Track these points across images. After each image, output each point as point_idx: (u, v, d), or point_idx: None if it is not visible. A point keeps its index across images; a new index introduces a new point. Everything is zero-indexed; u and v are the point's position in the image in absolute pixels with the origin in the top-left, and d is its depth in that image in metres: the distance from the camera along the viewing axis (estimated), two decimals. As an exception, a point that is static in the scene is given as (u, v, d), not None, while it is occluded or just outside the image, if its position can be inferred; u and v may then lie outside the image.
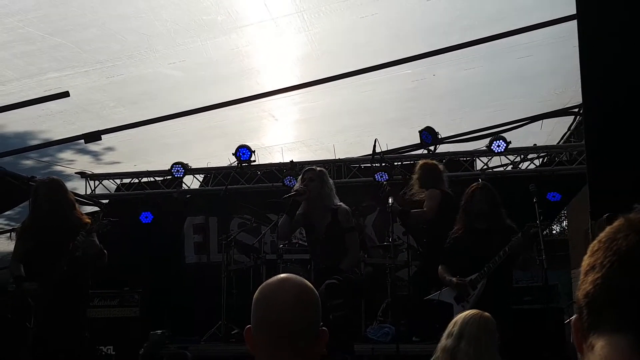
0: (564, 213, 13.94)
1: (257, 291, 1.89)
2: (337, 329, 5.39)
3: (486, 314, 3.35)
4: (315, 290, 1.92)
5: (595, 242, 0.95)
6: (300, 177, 6.12)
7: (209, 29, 6.41)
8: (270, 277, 6.16)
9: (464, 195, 5.73)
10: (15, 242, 5.79)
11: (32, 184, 8.07)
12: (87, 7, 5.87)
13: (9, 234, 8.96)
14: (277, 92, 7.63)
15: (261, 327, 1.83)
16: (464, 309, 5.04)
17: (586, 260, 0.94)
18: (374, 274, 7.98)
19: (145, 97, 7.59)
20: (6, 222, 9.82)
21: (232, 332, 7.95)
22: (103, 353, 7.41)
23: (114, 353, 7.49)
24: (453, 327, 3.34)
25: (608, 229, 0.94)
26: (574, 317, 0.96)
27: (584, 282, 0.93)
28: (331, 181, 6.03)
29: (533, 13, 6.82)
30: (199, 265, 9.90)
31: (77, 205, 6.05)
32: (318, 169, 6.07)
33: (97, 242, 5.67)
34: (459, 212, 5.74)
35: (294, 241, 7.84)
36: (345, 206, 5.86)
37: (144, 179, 9.85)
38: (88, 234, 5.51)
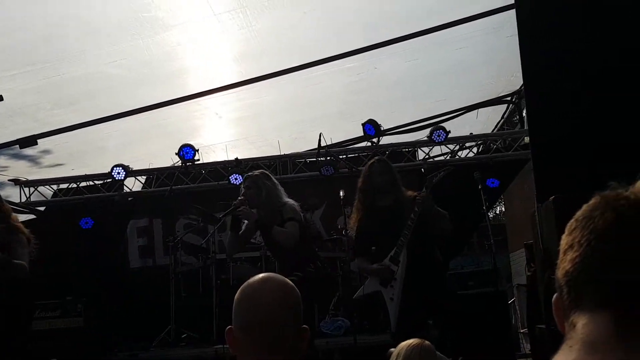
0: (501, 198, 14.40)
1: (238, 292, 1.87)
2: None
3: (427, 342, 3.32)
4: (296, 289, 1.91)
5: (572, 220, 0.96)
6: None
7: (150, 26, 6.27)
8: (221, 277, 6.11)
9: (361, 175, 5.45)
10: None
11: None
12: (18, 8, 5.66)
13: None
14: (219, 89, 7.54)
15: (246, 328, 1.81)
16: (394, 289, 4.90)
17: (564, 239, 0.96)
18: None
19: (83, 98, 7.35)
20: None
21: (183, 336, 7.84)
22: (48, 367, 7.17)
23: (59, 366, 7.26)
24: (397, 358, 3.30)
25: (585, 207, 0.95)
26: (555, 295, 0.97)
27: (563, 260, 0.94)
28: (272, 181, 5.85)
29: (469, 5, 6.98)
30: (144, 269, 9.68)
31: (12, 214, 5.70)
32: (255, 173, 5.88)
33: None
34: (357, 195, 5.38)
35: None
36: (291, 203, 5.76)
37: (83, 184, 9.54)
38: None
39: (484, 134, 9.77)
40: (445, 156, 9.76)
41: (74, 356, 7.22)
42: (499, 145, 9.60)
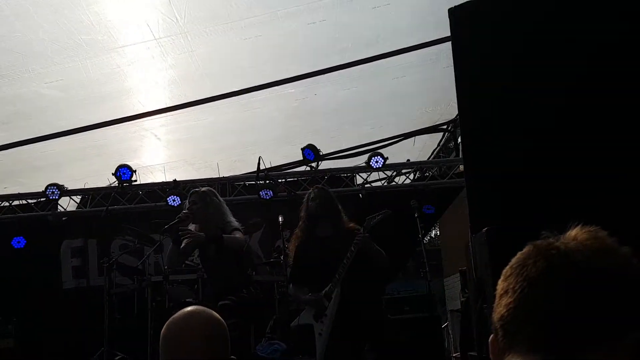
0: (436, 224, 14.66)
1: (164, 328, 1.89)
2: (231, 350, 5.38)
3: None
4: (223, 322, 1.95)
5: (507, 267, 1.01)
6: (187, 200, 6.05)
7: (89, 48, 6.24)
8: (156, 299, 6.05)
9: (303, 202, 5.54)
10: None
11: None
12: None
13: None
14: (159, 111, 7.55)
15: None
16: (324, 325, 4.99)
17: (500, 285, 1.01)
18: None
19: (18, 117, 7.24)
20: None
21: (116, 358, 7.72)
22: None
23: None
24: None
25: (519, 254, 1.01)
26: (491, 336, 1.02)
27: (499, 305, 0.99)
28: (218, 199, 5.95)
29: (406, 36, 7.18)
30: (78, 290, 9.49)
31: None
32: (202, 189, 5.99)
33: None
34: (299, 222, 5.48)
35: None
36: (235, 222, 5.83)
37: (16, 202, 9.33)
38: None
39: (420, 161, 10.00)
40: (382, 182, 9.94)
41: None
42: (435, 173, 9.84)
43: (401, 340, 6.60)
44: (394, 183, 9.98)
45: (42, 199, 9.13)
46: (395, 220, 8.00)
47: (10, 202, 9.27)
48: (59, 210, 9.39)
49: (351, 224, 5.30)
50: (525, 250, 1.00)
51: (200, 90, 7.33)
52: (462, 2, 4.30)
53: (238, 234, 5.66)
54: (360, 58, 7.31)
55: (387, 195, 9.53)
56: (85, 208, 9.43)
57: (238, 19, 6.20)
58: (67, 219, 9.71)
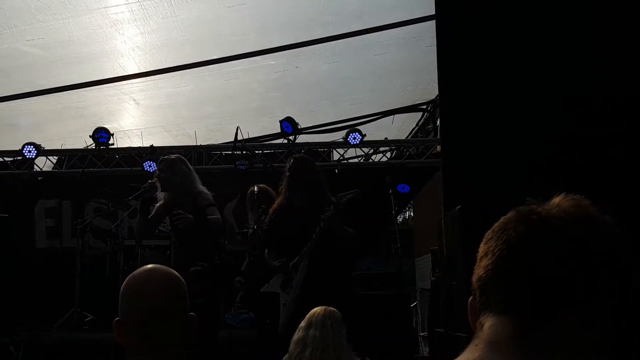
0: (410, 204, 14.77)
1: (124, 283, 1.91)
2: (200, 315, 5.43)
3: (330, 308, 3.55)
4: (181, 278, 1.97)
5: (489, 231, 1.04)
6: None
7: (72, 7, 6.23)
8: (128, 263, 6.09)
9: (284, 169, 5.47)
10: None
11: None
12: None
13: None
14: (139, 75, 7.54)
15: (132, 319, 1.85)
16: (289, 296, 4.99)
17: (481, 248, 1.04)
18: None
19: (-3, 74, 7.21)
20: None
21: (86, 320, 7.77)
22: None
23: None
24: (302, 323, 3.54)
25: (502, 219, 1.04)
26: (470, 298, 1.05)
27: (478, 267, 1.03)
28: (188, 167, 5.89)
29: (391, 13, 7.20)
30: (50, 251, 9.49)
31: None
32: (171, 157, 5.92)
33: None
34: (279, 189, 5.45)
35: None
36: (206, 191, 5.82)
37: (-8, 160, 9.29)
38: None
39: (398, 139, 10.04)
40: (359, 159, 9.99)
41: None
42: (412, 152, 9.92)
43: (368, 317, 6.66)
44: (370, 160, 10.03)
45: (18, 158, 9.08)
46: (369, 197, 8.11)
47: (-14, 159, 9.22)
48: (35, 170, 9.35)
49: (331, 198, 5.22)
50: (508, 215, 1.03)
51: (181, 56, 7.34)
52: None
53: (216, 213, 5.68)
54: (341, 32, 7.32)
55: (363, 172, 9.58)
56: (61, 169, 9.40)
57: (222, -15, 6.21)
58: (42, 178, 9.67)
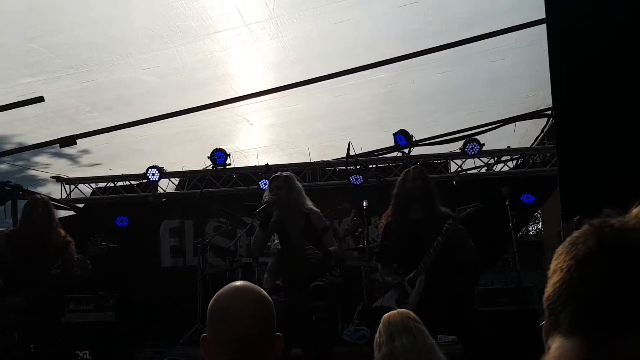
0: (540, 214, 14.11)
1: (211, 301, 1.90)
2: (318, 331, 5.41)
3: (402, 310, 3.27)
4: (269, 297, 1.93)
5: (560, 246, 0.97)
6: (268, 186, 6.09)
7: (183, 35, 6.41)
8: (247, 280, 6.16)
9: (398, 181, 5.42)
10: None
11: (7, 188, 8.05)
12: (59, 13, 5.85)
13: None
14: (250, 96, 7.66)
15: (218, 337, 1.84)
16: None
17: (552, 264, 0.96)
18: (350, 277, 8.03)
19: (120, 102, 7.57)
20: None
21: (208, 336, 7.97)
22: (79, 358, 7.39)
23: (90, 358, 7.46)
24: (380, 337, 3.27)
25: (574, 233, 0.96)
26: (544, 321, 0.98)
27: (548, 285, 0.95)
28: (300, 185, 5.99)
29: (504, 17, 6.91)
30: (174, 269, 9.90)
31: (59, 225, 5.99)
32: (284, 174, 6.03)
33: (89, 264, 5.80)
34: (391, 201, 5.37)
35: (269, 244, 7.86)
36: (316, 210, 5.86)
37: (120, 183, 9.82)
38: (86, 256, 5.72)
39: (520, 148, 9.61)
40: (478, 169, 9.64)
41: (104, 350, 7.43)
42: (537, 160, 9.45)
43: (490, 334, 6.37)
44: (491, 171, 9.65)
45: (143, 181, 9.53)
46: (489, 209, 7.76)
47: (115, 182, 9.75)
48: (159, 192, 9.78)
49: (445, 210, 5.15)
50: (581, 229, 0.96)
51: (290, 75, 7.38)
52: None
53: (333, 242, 5.76)
54: (453, 40, 7.08)
55: (483, 182, 9.24)
56: (183, 190, 9.76)
57: (327, 3, 6.17)
58: (166, 200, 10.11)
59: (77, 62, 6.57)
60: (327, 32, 6.83)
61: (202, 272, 8.35)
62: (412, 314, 3.22)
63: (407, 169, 5.50)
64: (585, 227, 0.94)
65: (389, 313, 3.24)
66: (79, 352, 7.38)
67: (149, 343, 8.09)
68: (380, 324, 3.21)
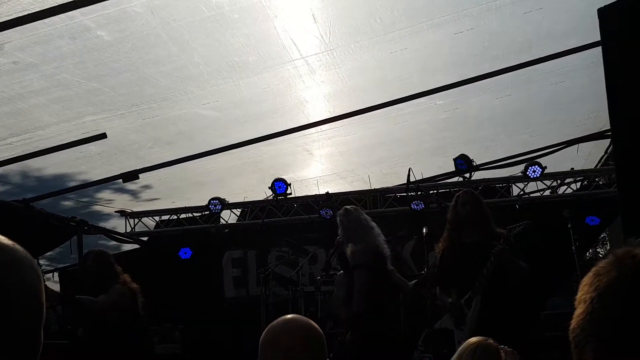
0: (607, 236, 13.71)
1: (264, 332, 1.94)
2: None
3: (488, 340, 3.14)
4: (319, 328, 1.96)
5: (586, 276, 0.96)
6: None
7: (241, 70, 6.53)
8: (309, 309, 6.34)
9: (450, 206, 5.43)
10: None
11: (73, 224, 8.28)
12: (121, 53, 6.05)
13: (51, 274, 9.18)
14: (309, 126, 7.73)
15: None
16: (463, 333, 4.83)
17: (577, 295, 0.96)
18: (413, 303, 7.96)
19: (181, 137, 7.75)
20: (47, 262, 10.04)
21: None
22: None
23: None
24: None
25: (599, 263, 0.94)
26: None
27: (573, 317, 0.95)
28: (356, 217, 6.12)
29: (562, 40, 6.83)
30: (238, 299, 9.97)
31: (121, 274, 6.02)
32: (353, 208, 6.21)
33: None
34: (446, 226, 5.37)
35: (331, 272, 7.88)
36: (363, 245, 5.93)
37: (183, 215, 10.00)
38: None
39: (584, 169, 9.40)
40: (541, 192, 9.46)
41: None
42: (601, 182, 9.22)
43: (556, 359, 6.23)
44: (554, 193, 9.45)
45: (205, 212, 9.69)
46: (554, 232, 7.60)
47: (178, 215, 9.94)
48: (221, 223, 9.91)
49: (499, 231, 5.08)
50: (606, 258, 0.94)
51: (348, 105, 7.43)
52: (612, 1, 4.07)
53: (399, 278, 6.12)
54: (510, 65, 7.02)
55: (547, 205, 9.06)
56: (244, 220, 9.87)
57: (382, 33, 6.20)
58: (228, 230, 10.24)
59: (139, 99, 6.76)
60: (383, 61, 6.86)
61: (265, 302, 8.38)
62: (492, 346, 3.09)
63: (457, 193, 5.48)
64: (610, 257, 0.93)
65: (472, 340, 3.11)
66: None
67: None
68: (458, 351, 3.12)
